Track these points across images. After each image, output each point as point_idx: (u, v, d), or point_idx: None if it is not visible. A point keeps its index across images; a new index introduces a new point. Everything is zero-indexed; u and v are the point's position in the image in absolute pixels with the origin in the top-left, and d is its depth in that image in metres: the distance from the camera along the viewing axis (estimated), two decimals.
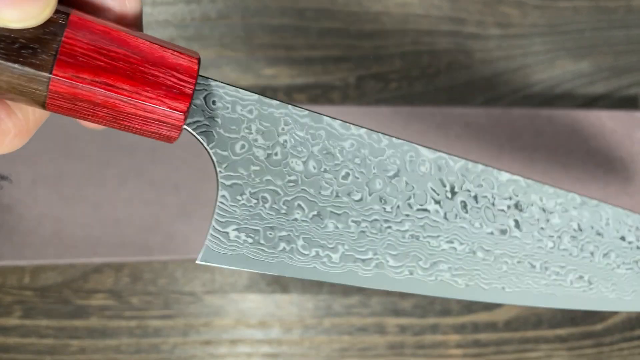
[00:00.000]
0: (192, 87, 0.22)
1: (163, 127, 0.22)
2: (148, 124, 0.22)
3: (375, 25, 0.49)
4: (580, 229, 0.30)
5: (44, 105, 0.21)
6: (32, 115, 0.22)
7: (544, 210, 0.29)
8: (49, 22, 0.20)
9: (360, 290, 0.49)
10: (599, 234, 0.30)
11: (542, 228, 0.29)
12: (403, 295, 0.49)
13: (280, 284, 0.48)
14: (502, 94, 0.51)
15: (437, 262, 0.27)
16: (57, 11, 0.20)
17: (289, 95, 0.48)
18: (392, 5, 0.49)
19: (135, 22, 0.23)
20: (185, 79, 0.22)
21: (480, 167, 0.28)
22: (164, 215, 0.41)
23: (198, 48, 0.47)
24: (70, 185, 0.40)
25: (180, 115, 0.22)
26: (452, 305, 0.50)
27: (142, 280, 0.46)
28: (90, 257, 0.40)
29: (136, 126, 0.22)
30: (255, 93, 0.24)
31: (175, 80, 0.21)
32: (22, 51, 0.20)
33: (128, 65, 0.21)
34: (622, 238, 0.31)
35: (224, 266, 0.24)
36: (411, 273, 0.27)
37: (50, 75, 0.20)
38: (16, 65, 0.20)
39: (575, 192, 0.30)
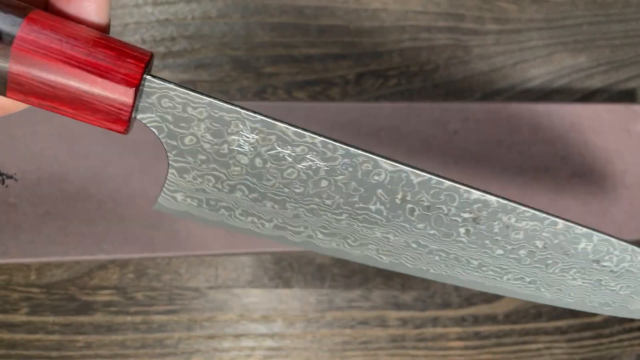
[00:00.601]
0: (129, 112, 0.23)
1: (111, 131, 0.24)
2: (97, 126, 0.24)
3: (374, 22, 0.49)
4: (544, 247, 0.29)
5: None
6: None
7: (507, 227, 0.28)
8: None
9: (361, 284, 0.49)
10: (566, 254, 0.29)
11: (496, 239, 0.28)
12: (404, 289, 0.50)
13: (282, 278, 0.48)
14: (500, 88, 0.51)
15: (367, 244, 0.28)
16: (1, 38, 0.22)
17: (289, 92, 0.48)
18: (390, 2, 0.50)
19: (103, 30, 0.25)
20: (122, 107, 0.23)
21: (447, 183, 0.27)
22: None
23: (199, 47, 0.47)
24: (75, 183, 0.41)
25: (121, 129, 0.24)
26: (453, 299, 0.50)
27: (146, 276, 0.46)
28: (95, 254, 0.41)
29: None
30: (208, 96, 0.25)
31: (112, 109, 0.23)
32: None
33: (68, 94, 0.23)
34: (597, 261, 0.30)
35: (174, 216, 0.27)
36: (339, 245, 0.28)
37: (6, 97, 0.23)
38: None
39: (560, 218, 0.29)
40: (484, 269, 0.29)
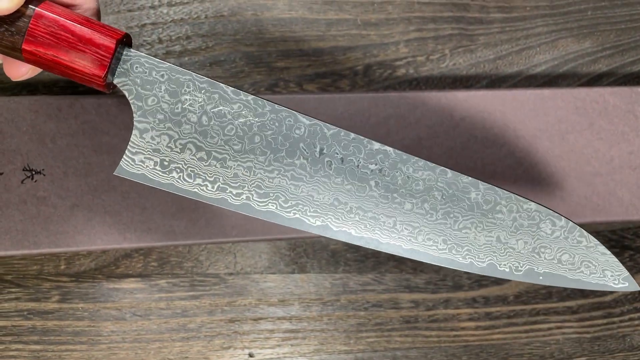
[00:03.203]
0: (109, 61, 0.31)
1: (93, 84, 0.32)
2: (83, 80, 0.31)
3: (381, 14, 0.51)
4: (443, 199, 0.33)
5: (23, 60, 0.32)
6: None
7: (408, 177, 0.33)
8: (21, 14, 0.30)
9: (374, 268, 0.51)
10: (462, 205, 0.33)
11: (402, 192, 0.33)
12: (416, 273, 0.51)
13: (298, 264, 0.50)
14: (506, 75, 0.53)
15: (297, 204, 0.32)
16: (28, 5, 0.30)
17: (300, 85, 0.50)
18: None
19: (94, 14, 0.33)
20: (105, 54, 0.31)
21: (352, 135, 0.32)
22: (186, 202, 0.44)
23: (213, 44, 0.49)
24: (99, 176, 0.43)
25: (100, 79, 0.31)
26: (463, 281, 0.52)
27: (169, 264, 0.49)
28: (120, 243, 0.43)
29: (76, 79, 0.31)
30: (168, 62, 0.32)
31: (97, 56, 0.31)
32: (5, 33, 0.30)
33: (67, 44, 0.30)
34: (489, 212, 0.33)
35: (132, 179, 0.32)
36: (273, 208, 0.32)
37: (21, 48, 0.31)
38: (2, 41, 0.31)
39: (448, 169, 0.33)
40: (398, 227, 0.33)
